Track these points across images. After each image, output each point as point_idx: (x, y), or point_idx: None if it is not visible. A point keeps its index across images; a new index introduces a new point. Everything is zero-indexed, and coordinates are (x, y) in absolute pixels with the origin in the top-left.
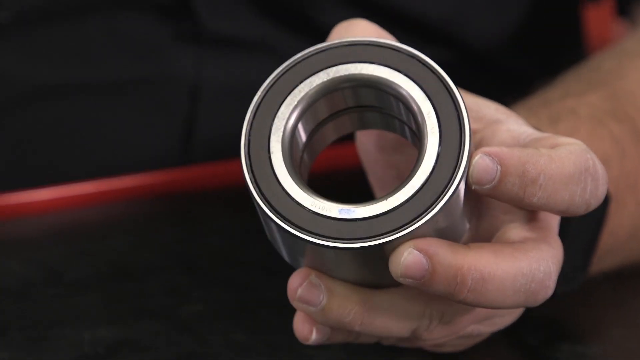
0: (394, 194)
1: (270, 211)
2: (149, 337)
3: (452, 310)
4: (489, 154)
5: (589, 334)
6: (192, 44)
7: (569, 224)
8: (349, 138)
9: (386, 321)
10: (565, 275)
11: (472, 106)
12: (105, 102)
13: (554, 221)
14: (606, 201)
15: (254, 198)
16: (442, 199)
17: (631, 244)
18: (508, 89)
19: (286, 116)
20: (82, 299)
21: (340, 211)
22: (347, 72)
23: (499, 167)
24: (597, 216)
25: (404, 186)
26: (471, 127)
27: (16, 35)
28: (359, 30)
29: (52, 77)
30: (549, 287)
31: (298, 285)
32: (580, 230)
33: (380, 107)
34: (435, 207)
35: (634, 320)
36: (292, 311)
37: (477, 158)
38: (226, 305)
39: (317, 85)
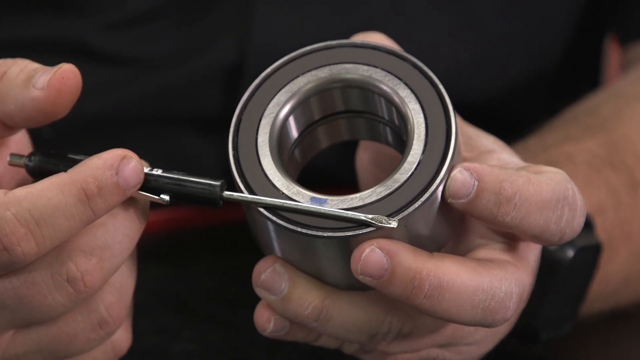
0: (369, 192)
1: (245, 188)
2: None
3: (413, 323)
4: (468, 169)
5: None
6: None
7: (558, 272)
8: (341, 148)
9: (345, 321)
10: (552, 322)
11: (471, 135)
12: None
13: (530, 254)
14: (598, 251)
15: (233, 174)
16: (414, 204)
17: (622, 290)
18: (506, 131)
19: (280, 104)
20: None
21: (312, 199)
22: (346, 71)
23: (476, 182)
24: (588, 266)
25: (380, 186)
26: (459, 146)
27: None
28: (375, 39)
29: None
30: (509, 308)
31: (262, 271)
32: (570, 279)
33: (367, 111)
34: (405, 210)
35: None
36: (282, 351)
37: (456, 172)
38: (215, 344)
39: (317, 79)
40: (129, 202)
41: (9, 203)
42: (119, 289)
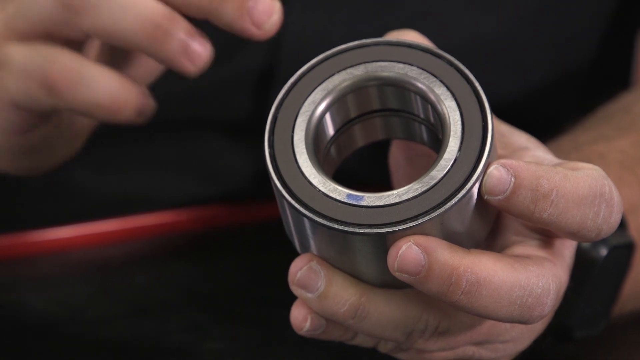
0: (406, 189)
1: (282, 186)
2: None
3: (449, 320)
4: (504, 165)
5: None
6: None
7: (592, 270)
8: (377, 148)
9: (381, 318)
10: (586, 320)
11: (505, 133)
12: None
13: (566, 250)
14: (631, 249)
15: (269, 172)
16: (451, 200)
17: None
18: (538, 130)
19: (316, 101)
20: (103, 337)
21: (348, 196)
22: (382, 69)
23: (513, 179)
24: (621, 264)
25: (416, 183)
26: (495, 143)
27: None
28: (410, 37)
29: None
30: (546, 304)
31: (298, 269)
32: (604, 277)
33: (403, 109)
34: (442, 207)
35: None
36: (313, 349)
37: (492, 168)
38: (246, 343)
39: (353, 77)
40: None
41: None
42: None
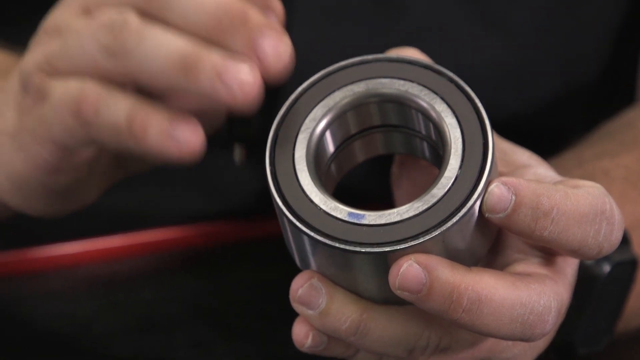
0: (407, 207)
1: (283, 204)
2: None
3: (451, 337)
4: (505, 184)
5: None
6: None
7: (594, 287)
8: (377, 161)
9: (382, 335)
10: (589, 337)
11: (507, 150)
12: None
13: (568, 268)
14: (634, 266)
15: (270, 189)
16: (452, 219)
17: None
18: (541, 146)
19: (317, 118)
20: (109, 352)
21: (349, 214)
22: (383, 86)
23: (513, 197)
24: (624, 281)
25: (417, 201)
26: (496, 161)
27: None
28: (410, 54)
29: None
30: (548, 322)
31: (299, 286)
32: (607, 294)
33: (404, 125)
34: (443, 225)
35: None
36: None
37: (493, 186)
38: (250, 358)
39: (354, 94)
40: None
41: None
42: None
